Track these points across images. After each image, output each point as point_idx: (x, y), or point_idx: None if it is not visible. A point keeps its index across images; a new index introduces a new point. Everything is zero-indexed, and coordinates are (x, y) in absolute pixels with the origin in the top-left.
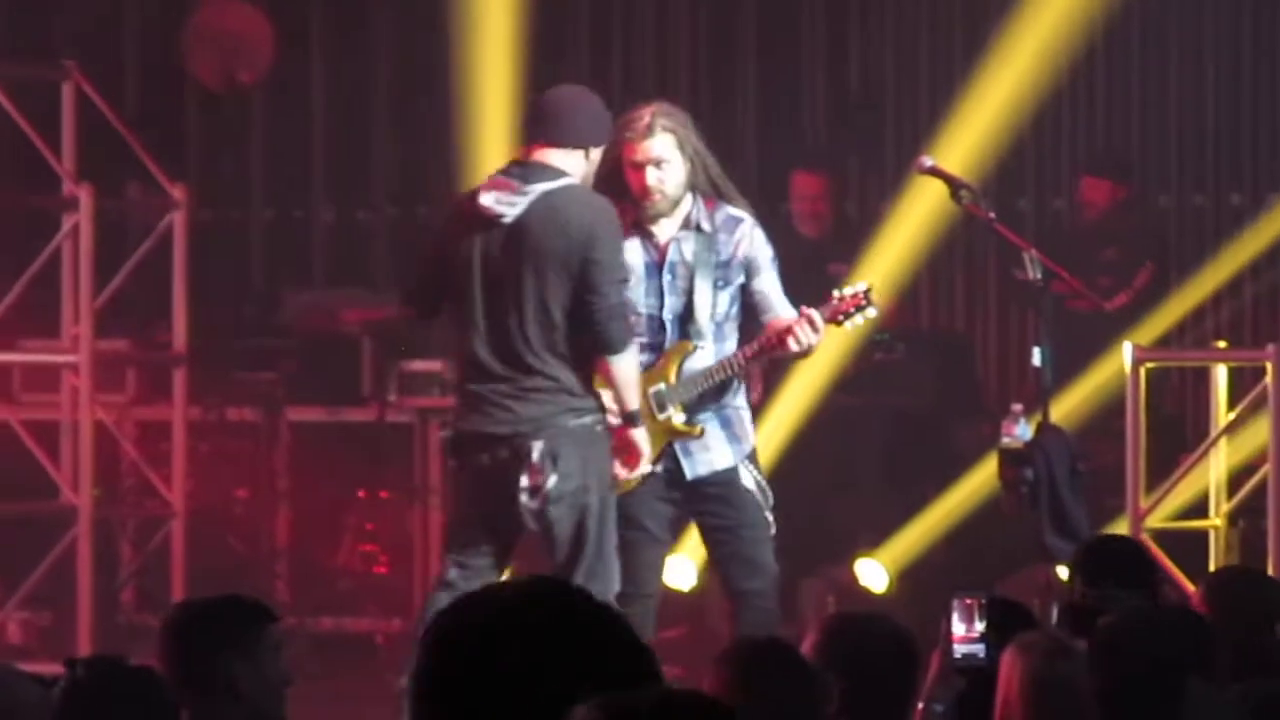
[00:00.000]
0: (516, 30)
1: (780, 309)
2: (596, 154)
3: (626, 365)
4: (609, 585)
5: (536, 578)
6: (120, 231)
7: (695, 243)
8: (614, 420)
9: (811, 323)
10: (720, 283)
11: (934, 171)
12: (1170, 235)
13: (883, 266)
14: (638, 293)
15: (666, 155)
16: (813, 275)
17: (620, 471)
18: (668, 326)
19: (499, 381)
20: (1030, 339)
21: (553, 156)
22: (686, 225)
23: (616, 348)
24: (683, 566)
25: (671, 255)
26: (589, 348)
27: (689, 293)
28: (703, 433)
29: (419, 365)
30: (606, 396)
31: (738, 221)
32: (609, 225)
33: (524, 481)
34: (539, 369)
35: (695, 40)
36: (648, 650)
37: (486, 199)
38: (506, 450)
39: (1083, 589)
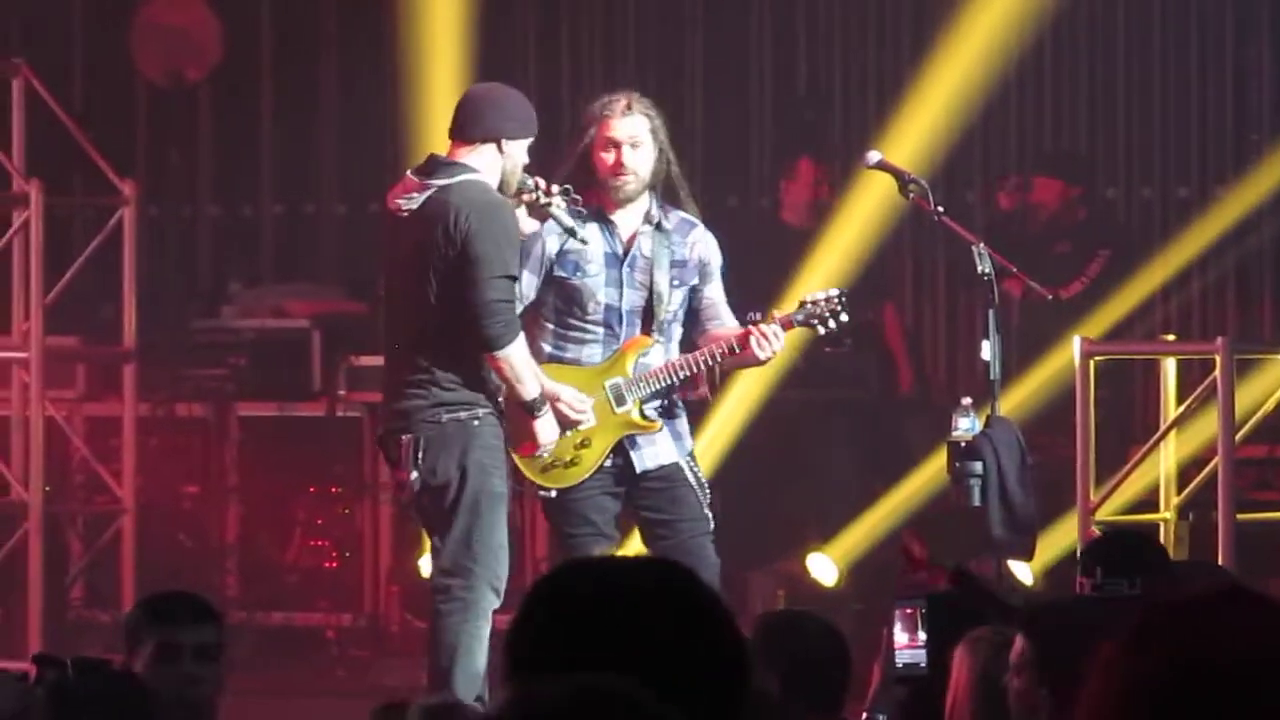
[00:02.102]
0: (464, 23)
1: (726, 318)
2: (513, 146)
3: (512, 360)
4: (475, 580)
5: (647, 557)
6: (69, 228)
7: (654, 239)
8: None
9: (775, 336)
10: (676, 281)
11: (881, 166)
12: (1120, 222)
13: (831, 260)
14: (598, 281)
15: (641, 138)
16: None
17: (514, 457)
18: (624, 319)
19: (390, 375)
20: (978, 332)
21: (460, 153)
22: (647, 221)
23: (494, 344)
24: None
25: (634, 249)
26: (470, 343)
27: (648, 287)
28: (661, 427)
29: (368, 360)
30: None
31: (691, 225)
32: (494, 220)
33: (397, 477)
34: (417, 363)
35: (642, 35)
36: (740, 638)
37: (391, 196)
38: (391, 447)
39: (1104, 581)
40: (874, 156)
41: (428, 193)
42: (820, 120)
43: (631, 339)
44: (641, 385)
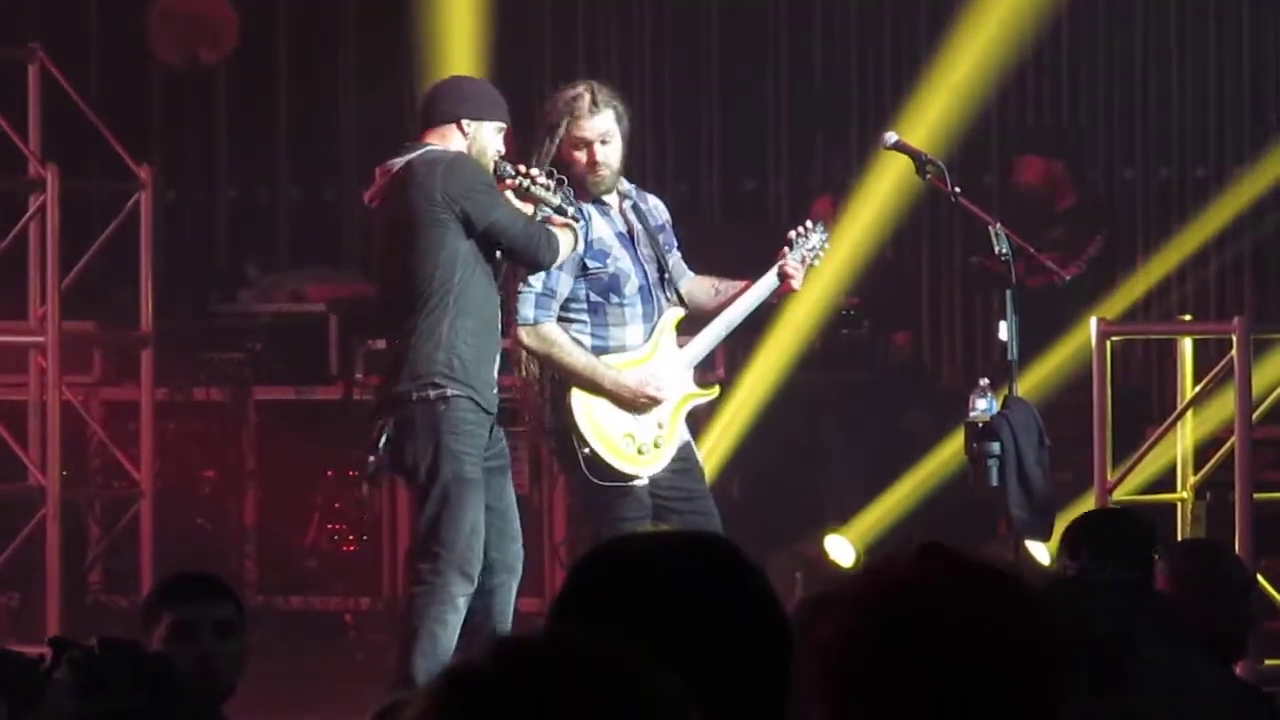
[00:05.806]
0: (482, 10)
1: (685, 273)
2: (475, 128)
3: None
4: (443, 565)
5: (690, 531)
6: (86, 212)
7: (636, 214)
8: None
9: (796, 269)
10: (667, 246)
11: (898, 147)
12: (1111, 202)
13: (848, 242)
14: (627, 264)
15: (611, 132)
16: None
17: (605, 451)
18: (652, 294)
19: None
20: (995, 313)
21: (427, 138)
22: (625, 197)
23: (550, 258)
24: None
25: (632, 226)
26: (437, 318)
27: (657, 260)
28: (718, 392)
29: (385, 344)
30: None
31: (642, 192)
32: (462, 171)
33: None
34: (393, 344)
35: (659, 16)
36: (783, 611)
37: (367, 197)
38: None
39: (1064, 561)
40: (891, 138)
41: (390, 175)
42: (836, 104)
43: (665, 313)
44: (690, 353)
